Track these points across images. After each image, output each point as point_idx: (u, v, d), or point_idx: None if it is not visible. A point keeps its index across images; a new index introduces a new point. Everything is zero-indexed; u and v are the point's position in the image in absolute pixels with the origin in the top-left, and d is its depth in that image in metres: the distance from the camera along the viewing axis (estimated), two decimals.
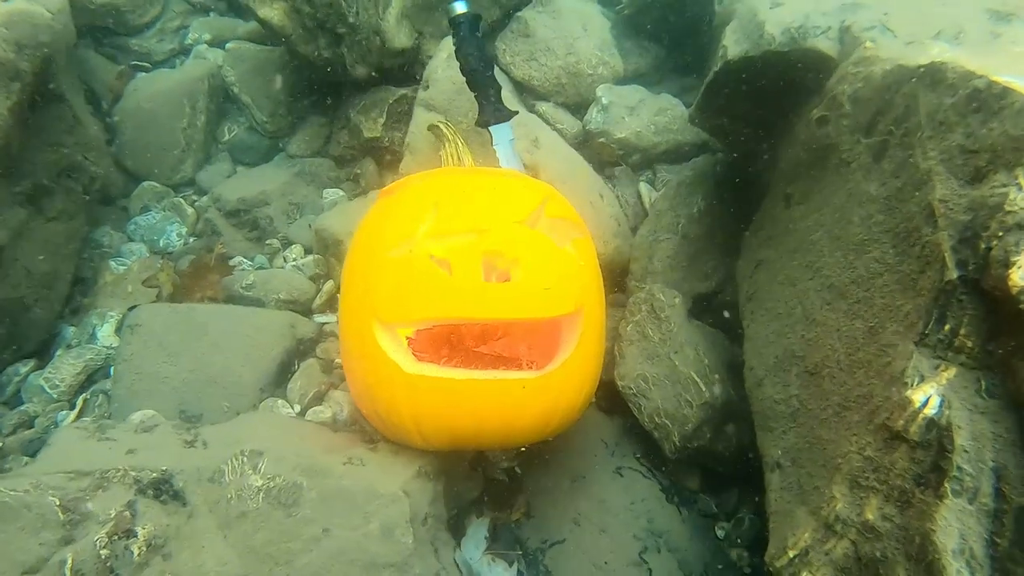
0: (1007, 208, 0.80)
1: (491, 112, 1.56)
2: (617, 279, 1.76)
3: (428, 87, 1.81)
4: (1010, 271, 0.76)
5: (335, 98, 2.14)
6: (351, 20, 1.82)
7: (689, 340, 1.53)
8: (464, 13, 1.57)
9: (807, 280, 1.20)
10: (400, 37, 1.90)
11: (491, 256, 1.24)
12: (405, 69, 2.02)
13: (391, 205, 1.35)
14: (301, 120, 2.22)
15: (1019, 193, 0.79)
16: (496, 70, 1.72)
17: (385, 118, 2.00)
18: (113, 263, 1.91)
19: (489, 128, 1.57)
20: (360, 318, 1.29)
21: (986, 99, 0.88)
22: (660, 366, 1.52)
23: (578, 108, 2.04)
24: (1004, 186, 0.81)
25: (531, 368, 1.30)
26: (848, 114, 1.17)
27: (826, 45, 1.25)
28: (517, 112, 1.62)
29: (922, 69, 1.00)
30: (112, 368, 1.66)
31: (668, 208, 1.76)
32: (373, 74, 1.96)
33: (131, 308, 1.78)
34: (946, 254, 0.87)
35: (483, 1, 2.06)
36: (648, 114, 1.98)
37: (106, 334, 1.76)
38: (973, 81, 0.90)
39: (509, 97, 1.84)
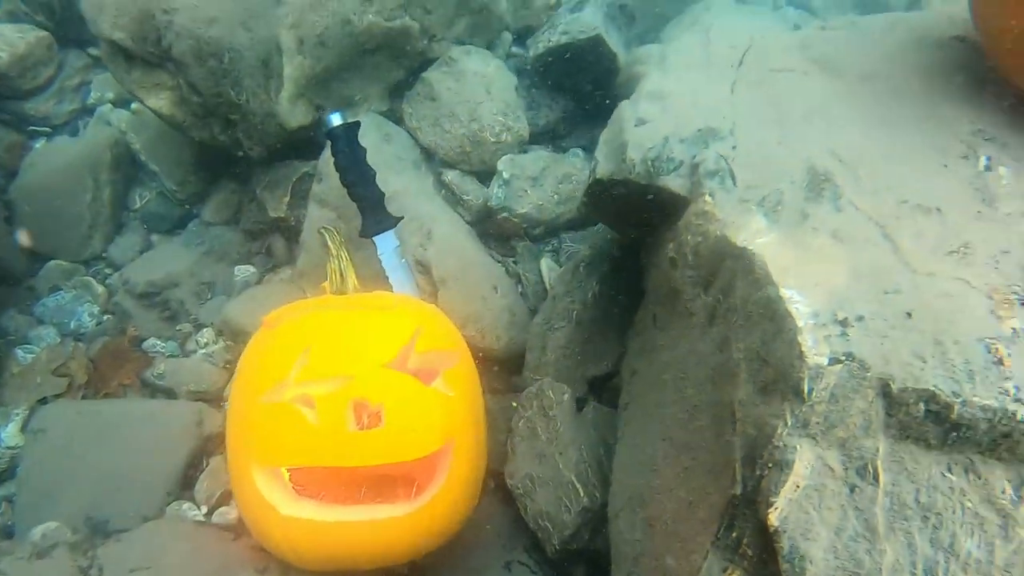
0: (774, 443, 0.86)
1: (372, 223, 1.59)
2: (514, 369, 1.82)
3: (321, 180, 1.83)
4: (770, 511, 0.83)
5: (244, 168, 2.16)
6: (242, 106, 1.83)
7: (574, 440, 1.59)
8: (340, 125, 1.59)
9: (656, 422, 1.27)
10: (296, 116, 1.91)
11: (360, 401, 1.30)
12: (312, 139, 2.03)
13: (268, 343, 1.40)
14: (214, 186, 2.23)
15: (785, 430, 0.85)
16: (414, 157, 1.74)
17: (290, 197, 2.01)
18: (20, 351, 1.95)
19: (373, 239, 1.60)
20: (239, 457, 1.35)
21: (775, 312, 0.93)
22: (546, 466, 1.59)
23: (485, 176, 2.07)
24: (776, 417, 0.87)
25: (416, 485, 1.38)
26: (691, 264, 1.21)
27: (677, 184, 1.28)
28: (402, 218, 1.65)
29: (737, 251, 1.05)
30: (17, 471, 1.71)
31: (564, 293, 1.81)
32: (278, 146, 1.98)
33: (40, 401, 1.83)
34: (736, 464, 0.93)
35: (382, 64, 2.06)
36: (552, 183, 2.01)
37: (11, 434, 1.80)
38: (767, 289, 0.95)
39: (431, 177, 1.87)
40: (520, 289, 1.93)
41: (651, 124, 1.39)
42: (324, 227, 1.66)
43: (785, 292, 0.93)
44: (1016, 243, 1.01)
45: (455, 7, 2.16)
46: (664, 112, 1.41)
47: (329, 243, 1.61)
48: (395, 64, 2.10)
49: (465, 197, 2.02)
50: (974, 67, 1.37)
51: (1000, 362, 0.83)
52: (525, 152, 2.10)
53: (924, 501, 0.82)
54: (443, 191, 2.06)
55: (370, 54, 2.02)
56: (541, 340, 1.77)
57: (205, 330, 1.98)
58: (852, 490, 0.84)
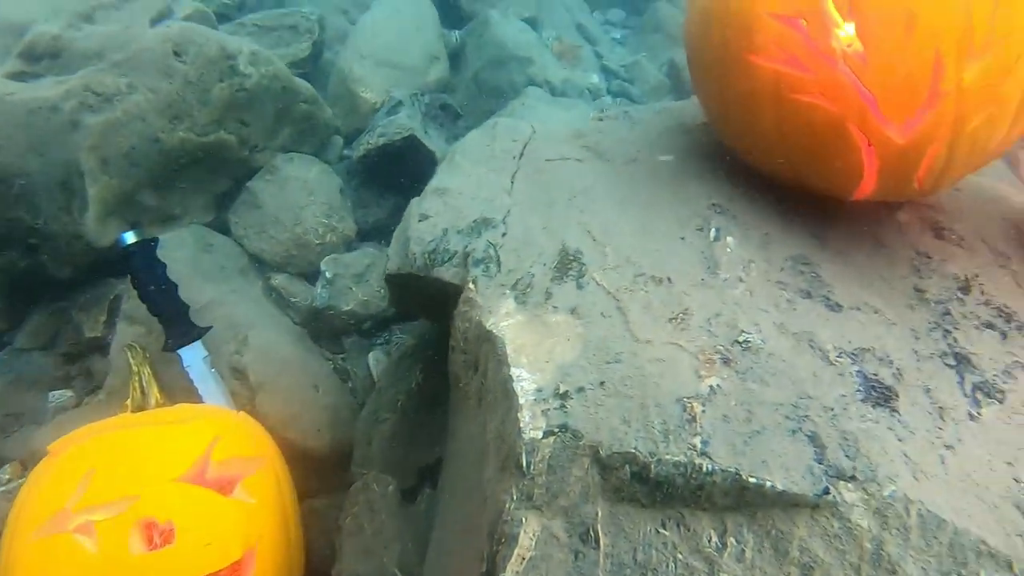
0: (503, 518, 0.90)
1: (176, 336, 1.58)
2: (343, 467, 1.80)
3: (130, 297, 1.81)
4: None
5: (60, 290, 2.10)
6: (41, 230, 1.80)
7: (400, 533, 1.59)
8: (133, 243, 1.59)
9: (453, 507, 1.29)
10: (107, 235, 1.89)
11: (148, 520, 1.26)
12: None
13: (46, 473, 1.35)
14: (30, 310, 2.16)
15: (512, 504, 0.89)
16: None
17: (107, 316, 1.97)
18: None
19: (178, 352, 1.59)
20: None
21: (508, 391, 0.99)
22: (372, 563, 1.57)
23: (313, 277, 2.10)
24: (506, 492, 0.91)
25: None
26: (463, 349, 1.27)
27: (451, 274, 1.35)
28: (209, 328, 1.65)
29: (488, 335, 1.11)
30: None
31: (389, 384, 1.83)
32: (90, 266, 1.94)
33: None
34: (484, 543, 0.96)
35: (203, 176, 2.09)
36: (377, 279, 2.06)
37: None
38: (504, 370, 1.01)
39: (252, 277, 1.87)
40: (350, 385, 1.94)
41: (432, 219, 1.47)
42: (128, 344, 1.63)
43: (515, 371, 1.00)
44: (729, 305, 1.12)
45: (275, 118, 2.24)
46: (445, 206, 1.50)
47: (131, 360, 1.58)
48: (217, 176, 2.14)
49: (293, 299, 2.03)
50: (715, 147, 1.53)
51: (693, 419, 0.91)
52: (352, 250, 2.15)
53: (641, 559, 0.88)
54: (273, 295, 2.07)
55: (187, 168, 2.04)
56: (367, 434, 1.77)
57: (7, 466, 1.87)
58: (576, 556, 0.89)
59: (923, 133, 1.14)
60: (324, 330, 2.03)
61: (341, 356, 2.00)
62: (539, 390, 0.97)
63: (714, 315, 1.09)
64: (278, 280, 2.07)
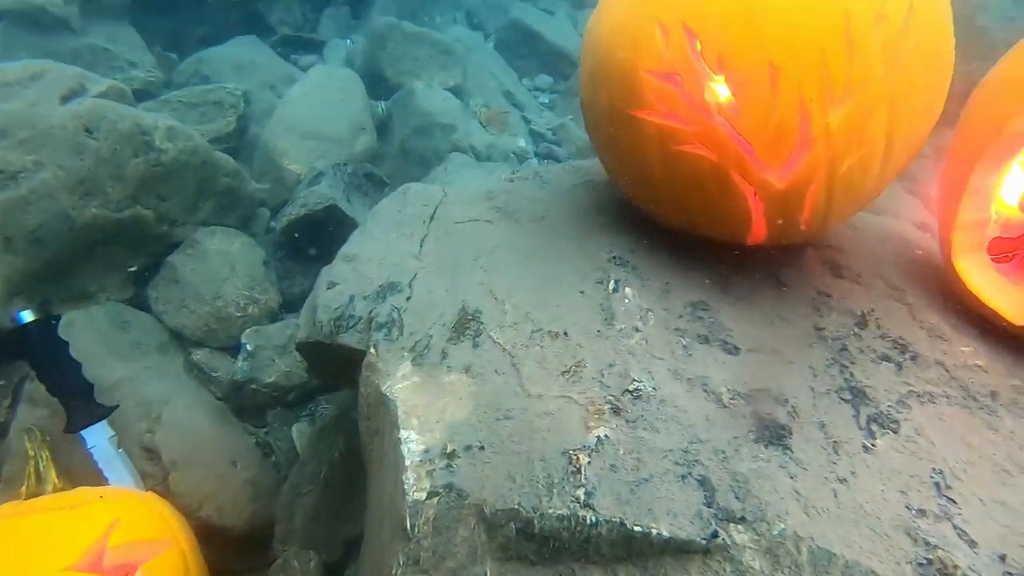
0: None
1: (78, 417, 1.53)
2: (262, 544, 1.74)
3: (32, 379, 1.75)
4: None
5: None
6: None
7: None
8: (31, 322, 1.55)
9: (364, 572, 1.24)
10: (9, 315, 1.84)
11: None
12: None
13: None
14: None
15: (399, 569, 0.87)
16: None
17: (11, 399, 1.90)
18: None
19: (80, 433, 1.53)
20: None
21: (398, 454, 0.97)
22: None
23: (235, 350, 2.06)
24: (393, 558, 0.89)
25: None
26: (367, 415, 1.25)
27: (355, 340, 1.34)
28: (116, 407, 1.60)
29: (384, 399, 1.10)
30: None
31: (311, 456, 1.79)
32: None
33: None
34: None
35: (119, 253, 2.06)
36: None
37: None
38: (395, 433, 0.99)
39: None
40: (273, 459, 1.89)
41: (340, 286, 1.47)
42: (27, 428, 1.57)
43: (403, 433, 0.98)
44: (623, 355, 1.13)
45: (196, 192, 2.23)
46: (353, 273, 1.50)
47: (28, 444, 1.52)
48: (135, 251, 2.11)
49: (214, 374, 1.99)
50: (619, 201, 1.57)
51: (578, 471, 0.90)
52: (276, 321, 2.13)
53: None
54: (194, 371, 2.02)
55: (102, 245, 2.02)
56: (289, 508, 1.72)
57: None
58: None
59: (801, 176, 1.19)
60: (246, 404, 1.98)
61: (264, 430, 1.95)
62: (426, 451, 0.95)
63: (607, 366, 1.10)
64: (199, 355, 2.03)
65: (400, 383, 1.11)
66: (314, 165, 2.41)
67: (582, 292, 1.30)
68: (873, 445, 1.07)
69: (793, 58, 1.12)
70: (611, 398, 1.02)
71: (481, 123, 2.99)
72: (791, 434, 1.04)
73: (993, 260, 1.41)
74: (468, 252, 1.49)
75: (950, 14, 1.25)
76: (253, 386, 1.96)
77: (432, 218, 1.66)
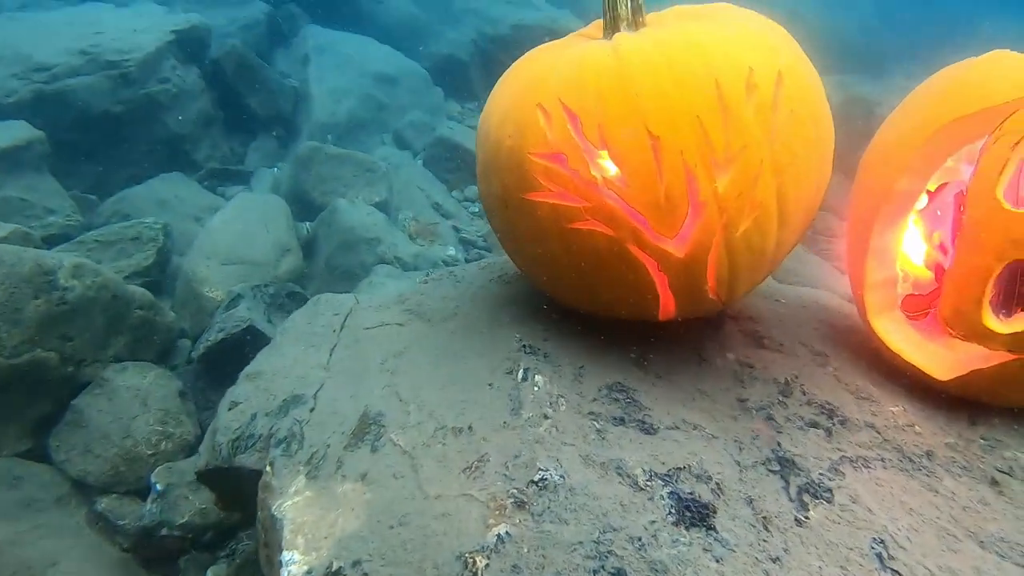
0: None
1: None
2: None
3: None
4: None
5: None
6: None
7: None
8: None
9: None
10: None
11: None
12: None
13: None
14: None
15: None
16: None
17: None
18: None
19: None
20: None
21: None
22: None
23: (145, 492, 1.91)
24: None
25: None
26: (265, 542, 1.13)
27: (253, 460, 1.24)
28: None
29: (272, 520, 0.99)
30: None
31: None
32: None
33: None
34: None
35: (18, 400, 1.93)
36: None
37: None
38: (278, 554, 0.89)
39: None
40: None
41: (242, 405, 1.38)
42: None
43: (286, 555, 0.89)
44: (529, 445, 1.05)
45: (106, 328, 2.15)
46: (257, 390, 1.41)
47: None
48: (35, 398, 1.99)
49: (121, 523, 1.83)
50: (531, 292, 1.54)
51: (475, 574, 0.81)
52: (192, 455, 1.99)
53: None
54: (98, 522, 1.86)
55: None
56: None
57: None
58: None
59: (698, 243, 1.17)
60: (155, 554, 1.81)
61: None
62: (309, 572, 0.85)
63: (512, 457, 1.02)
64: (104, 503, 1.88)
65: (291, 500, 1.01)
66: (231, 289, 2.35)
67: (491, 385, 1.24)
68: (806, 517, 1.00)
69: (672, 127, 1.13)
70: (515, 491, 0.94)
71: (411, 235, 3.00)
72: (715, 512, 0.97)
73: (909, 318, 1.40)
74: (376, 356, 1.42)
75: (820, 84, 1.30)
76: (164, 531, 1.80)
77: (342, 327, 1.60)
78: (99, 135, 3.32)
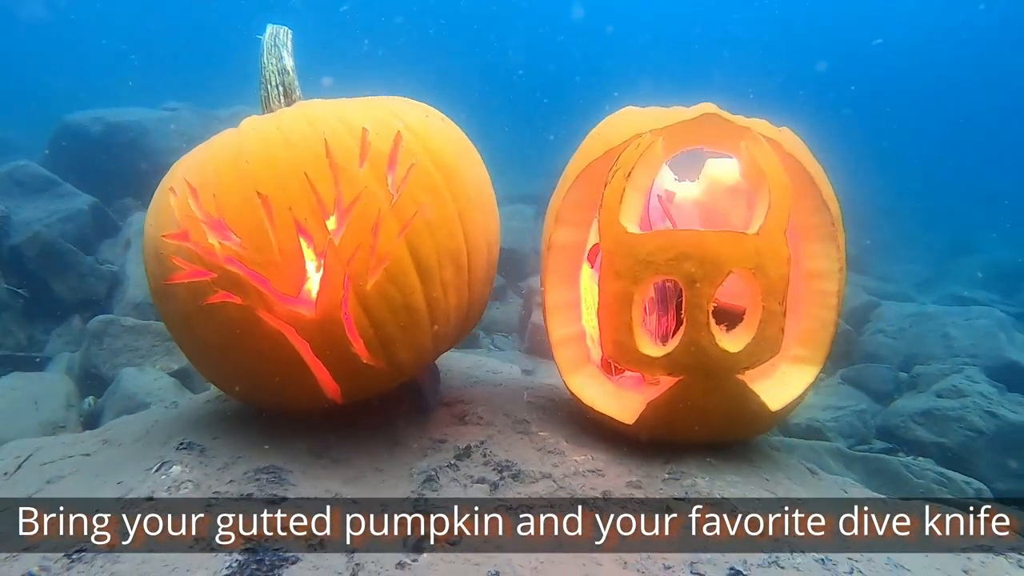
0: None
1: None
2: None
3: None
4: None
5: None
6: None
7: None
8: None
9: None
10: None
11: None
12: None
13: None
14: None
15: None
16: None
17: None
18: None
19: None
20: None
21: None
22: None
23: None
24: None
25: None
26: None
27: None
28: None
29: None
30: None
31: None
32: None
33: None
34: None
35: None
36: None
37: None
38: None
39: None
40: None
41: None
42: None
43: None
44: None
45: None
46: None
47: None
48: None
49: None
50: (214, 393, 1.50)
51: None
52: None
53: None
54: None
55: None
56: None
57: None
58: None
59: (327, 300, 1.18)
60: None
61: None
62: None
63: None
64: None
65: None
66: None
67: (119, 483, 1.17)
68: (414, 561, 0.95)
69: (280, 186, 1.18)
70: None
71: None
72: (295, 563, 0.91)
73: (607, 374, 1.43)
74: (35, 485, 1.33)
75: (461, 140, 1.41)
76: None
77: (18, 468, 1.50)
78: None
